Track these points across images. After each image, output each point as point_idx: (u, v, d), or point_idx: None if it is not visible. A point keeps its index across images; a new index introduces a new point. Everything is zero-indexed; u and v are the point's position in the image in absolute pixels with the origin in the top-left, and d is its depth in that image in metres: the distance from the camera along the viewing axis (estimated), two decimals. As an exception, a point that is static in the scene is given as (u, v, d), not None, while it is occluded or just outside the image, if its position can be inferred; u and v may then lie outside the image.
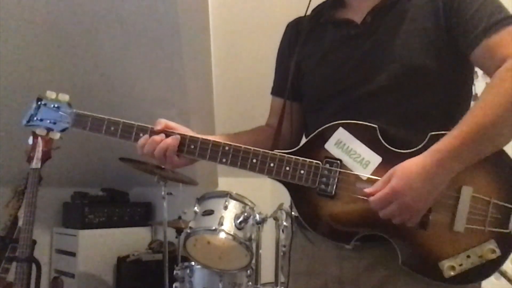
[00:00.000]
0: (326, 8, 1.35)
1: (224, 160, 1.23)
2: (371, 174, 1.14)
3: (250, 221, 2.50)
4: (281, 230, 2.70)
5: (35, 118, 1.37)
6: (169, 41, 2.97)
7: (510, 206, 1.10)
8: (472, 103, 1.26)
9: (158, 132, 1.26)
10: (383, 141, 1.15)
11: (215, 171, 3.71)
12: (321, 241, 1.23)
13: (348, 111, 1.22)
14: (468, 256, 1.10)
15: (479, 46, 1.13)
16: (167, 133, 1.26)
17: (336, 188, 1.15)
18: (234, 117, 3.41)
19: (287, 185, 1.21)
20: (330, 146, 1.18)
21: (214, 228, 2.43)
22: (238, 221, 2.46)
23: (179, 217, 3.28)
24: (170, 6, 2.79)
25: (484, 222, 1.10)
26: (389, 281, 1.18)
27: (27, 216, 2.40)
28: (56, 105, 1.37)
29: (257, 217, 2.54)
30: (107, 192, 4.15)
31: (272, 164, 1.20)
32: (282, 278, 2.78)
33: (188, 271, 2.74)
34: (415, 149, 1.12)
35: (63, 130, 1.38)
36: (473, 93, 1.30)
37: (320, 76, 1.31)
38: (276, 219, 2.67)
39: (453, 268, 1.10)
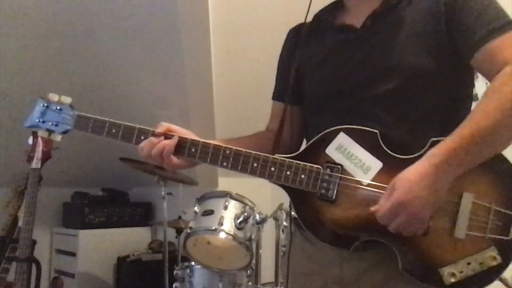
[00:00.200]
0: (327, 13, 1.36)
1: (225, 163, 1.23)
2: (372, 180, 1.14)
3: (250, 221, 2.50)
4: (281, 230, 2.70)
5: (37, 120, 1.38)
6: (169, 41, 2.97)
7: (511, 213, 1.10)
8: (473, 104, 1.26)
9: (159, 135, 1.27)
10: (384, 147, 1.15)
11: (215, 171, 3.71)
12: (321, 242, 1.22)
13: (348, 114, 1.22)
14: (469, 263, 1.10)
15: (479, 50, 1.13)
16: (168, 136, 1.27)
17: (336, 193, 1.15)
18: (234, 117, 3.41)
19: (287, 189, 1.21)
20: (331, 151, 1.18)
21: (214, 228, 2.43)
22: (238, 221, 2.46)
23: (179, 217, 3.28)
24: (170, 6, 2.79)
25: (485, 228, 1.10)
26: (389, 283, 1.18)
27: (27, 216, 2.40)
28: (58, 107, 1.38)
29: (257, 217, 2.54)
30: (107, 192, 4.15)
31: (272, 169, 1.20)
32: (282, 278, 2.78)
33: (188, 271, 2.75)
34: (416, 154, 1.12)
35: (65, 132, 1.39)
36: (473, 93, 1.30)
37: (319, 78, 1.31)
38: (276, 219, 2.67)
39: (453, 275, 1.10)
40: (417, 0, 1.23)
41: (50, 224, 4.03)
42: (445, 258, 1.11)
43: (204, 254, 2.60)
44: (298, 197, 1.20)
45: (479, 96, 1.12)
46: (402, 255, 1.13)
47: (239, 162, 1.22)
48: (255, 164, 1.21)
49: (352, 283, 1.21)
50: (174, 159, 1.27)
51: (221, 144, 1.25)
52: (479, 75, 1.20)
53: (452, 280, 1.10)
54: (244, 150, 1.22)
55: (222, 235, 2.44)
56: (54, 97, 1.39)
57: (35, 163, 2.43)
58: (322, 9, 1.38)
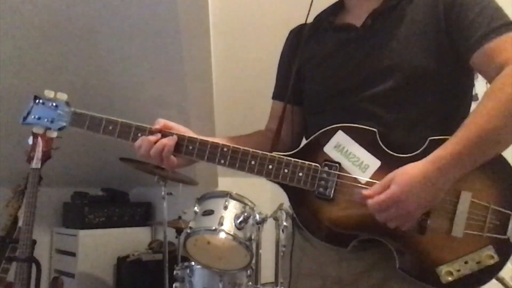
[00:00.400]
0: (327, 14, 1.36)
1: (222, 161, 1.23)
2: (370, 178, 1.14)
3: (250, 221, 2.50)
4: (281, 230, 2.69)
5: (32, 117, 1.38)
6: (169, 41, 2.97)
7: (509, 212, 1.10)
8: (472, 104, 1.26)
9: (155, 132, 1.26)
10: (382, 145, 1.15)
11: (215, 171, 3.71)
12: (320, 242, 1.22)
13: (347, 113, 1.22)
14: (466, 262, 1.10)
15: (478, 50, 1.13)
16: (165, 133, 1.26)
17: (334, 191, 1.15)
18: (234, 117, 3.41)
19: (285, 187, 1.20)
20: (329, 149, 1.18)
21: (214, 228, 2.43)
22: (238, 221, 2.46)
23: (179, 217, 3.28)
24: (170, 6, 2.79)
25: (482, 228, 1.10)
26: (388, 283, 1.18)
27: (27, 216, 2.39)
28: (54, 104, 1.38)
29: (257, 217, 2.53)
30: (107, 192, 4.15)
31: (270, 166, 1.19)
32: (282, 278, 2.78)
33: (188, 271, 2.75)
34: (414, 153, 1.12)
35: (60, 129, 1.38)
36: (473, 93, 1.30)
37: (320, 78, 1.31)
38: (276, 219, 2.66)
39: (450, 273, 1.10)
40: None
41: (50, 224, 4.03)
42: (442, 257, 1.11)
43: (204, 254, 2.60)
44: (296, 195, 1.20)
45: (479, 96, 1.13)
46: (399, 254, 1.13)
47: (237, 160, 1.21)
48: (252, 162, 1.20)
49: (351, 283, 1.21)
50: (173, 159, 1.26)
51: (218, 142, 1.24)
52: (479, 75, 1.20)
53: (449, 278, 1.10)
54: (242, 147, 1.22)
55: (222, 235, 2.43)
56: (50, 93, 1.39)
57: (35, 163, 2.43)
58: (323, 10, 1.39)
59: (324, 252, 1.24)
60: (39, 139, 2.40)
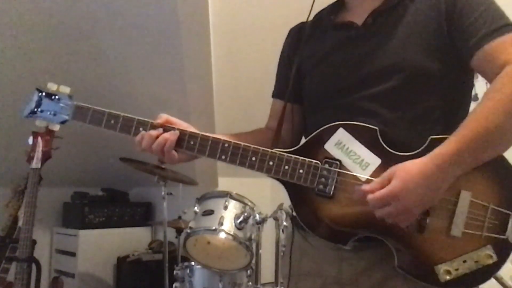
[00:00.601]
0: (328, 12, 1.36)
1: (223, 157, 1.22)
2: (370, 176, 1.13)
3: (250, 221, 2.50)
4: (281, 230, 2.69)
5: (35, 110, 1.37)
6: (169, 41, 2.97)
7: (508, 212, 1.10)
8: (472, 103, 1.26)
9: (158, 126, 1.26)
10: (383, 143, 1.15)
11: (215, 171, 3.71)
12: (319, 241, 1.22)
13: (347, 111, 1.21)
14: (465, 261, 1.10)
15: (479, 51, 1.13)
16: (167, 128, 1.26)
17: (334, 188, 1.15)
18: (234, 117, 3.41)
19: (285, 184, 1.20)
20: (330, 146, 1.18)
21: (214, 228, 2.43)
22: (238, 221, 2.46)
23: (179, 217, 3.28)
24: (170, 7, 2.79)
25: (481, 227, 1.10)
26: (387, 282, 1.18)
27: (27, 216, 2.39)
28: (57, 97, 1.37)
29: (257, 217, 2.53)
30: (107, 192, 4.15)
31: (271, 163, 1.19)
32: (282, 278, 2.78)
33: (188, 271, 2.75)
34: (414, 152, 1.12)
35: (63, 122, 1.38)
36: (473, 93, 1.30)
37: (320, 76, 1.31)
38: (276, 219, 2.66)
39: (449, 272, 1.10)
40: None
41: (50, 224, 4.03)
42: (441, 256, 1.11)
43: (204, 254, 2.60)
44: (296, 192, 1.20)
45: (479, 96, 1.13)
46: (398, 252, 1.13)
47: (237, 156, 1.21)
48: (253, 158, 1.20)
49: (351, 283, 1.21)
50: (174, 153, 1.26)
51: (220, 138, 1.24)
52: (479, 75, 1.20)
53: (447, 277, 1.10)
54: (242, 143, 1.22)
55: (222, 235, 2.43)
56: (52, 86, 1.39)
57: (35, 163, 2.42)
58: (323, 9, 1.39)
59: (324, 251, 1.24)
60: (39, 139, 2.40)
